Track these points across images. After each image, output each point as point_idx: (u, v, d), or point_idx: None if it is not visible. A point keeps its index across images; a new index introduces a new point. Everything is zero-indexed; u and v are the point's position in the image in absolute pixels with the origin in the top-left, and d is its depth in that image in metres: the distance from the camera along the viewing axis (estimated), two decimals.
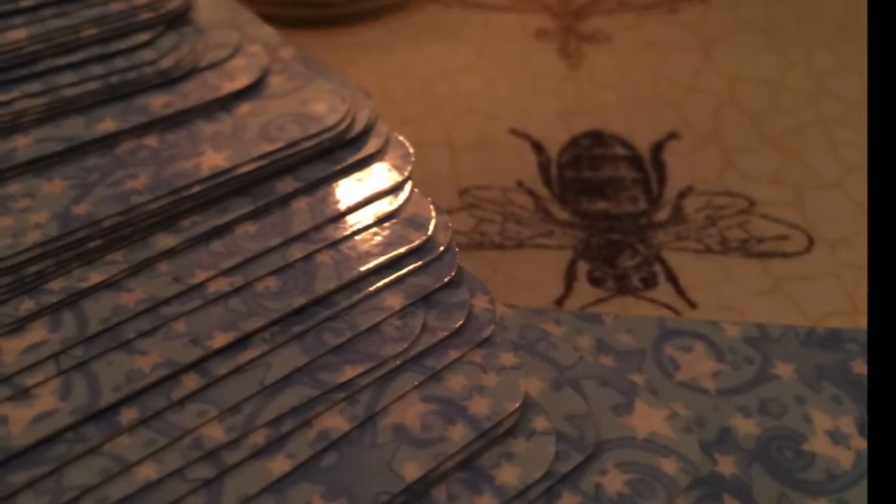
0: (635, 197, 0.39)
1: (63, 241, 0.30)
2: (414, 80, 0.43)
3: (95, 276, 0.30)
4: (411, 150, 0.34)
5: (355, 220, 0.32)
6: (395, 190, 0.33)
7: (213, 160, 0.32)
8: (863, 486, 0.30)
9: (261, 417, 0.27)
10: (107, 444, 0.26)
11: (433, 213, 0.32)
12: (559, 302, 0.36)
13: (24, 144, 0.32)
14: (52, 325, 0.29)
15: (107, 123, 0.33)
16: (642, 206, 0.39)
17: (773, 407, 0.32)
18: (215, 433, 0.27)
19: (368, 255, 0.31)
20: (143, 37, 0.35)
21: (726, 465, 0.31)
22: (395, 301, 0.30)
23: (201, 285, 0.30)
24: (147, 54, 0.35)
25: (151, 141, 0.33)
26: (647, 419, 0.28)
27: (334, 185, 0.33)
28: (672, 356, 0.32)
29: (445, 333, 0.30)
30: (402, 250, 0.31)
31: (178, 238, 0.31)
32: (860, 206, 0.39)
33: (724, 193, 0.39)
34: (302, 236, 0.31)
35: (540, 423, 0.28)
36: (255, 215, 0.32)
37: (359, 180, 0.33)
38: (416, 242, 0.31)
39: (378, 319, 0.30)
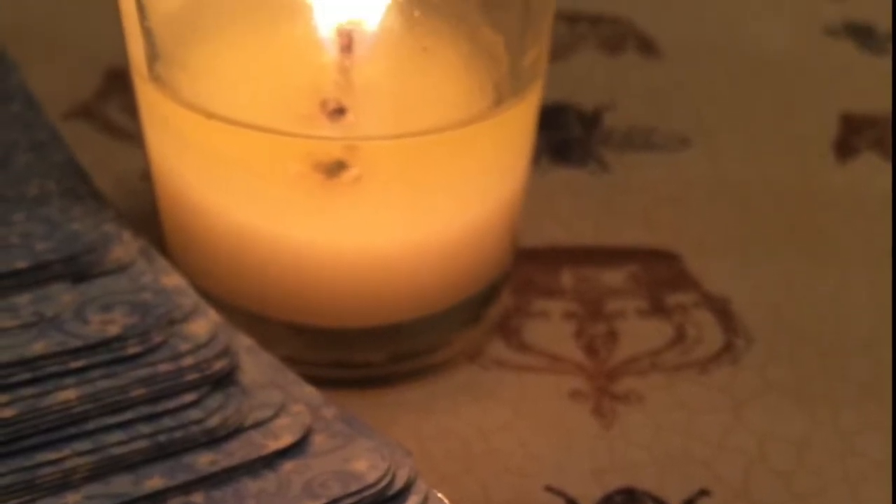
0: None
1: None
2: (452, 438, 0.44)
3: None
4: None
5: None
6: None
7: None
8: None
9: None
10: None
11: None
12: None
13: (73, 502, 0.33)
14: None
15: (154, 481, 0.34)
16: None
17: None
18: None
19: None
20: (190, 397, 0.36)
21: None
22: None
23: None
24: (194, 414, 0.36)
25: (198, 497, 0.34)
26: None
27: None
28: None
29: None
30: None
31: None
32: None
33: None
34: None
35: None
36: None
37: None
38: None
39: None
